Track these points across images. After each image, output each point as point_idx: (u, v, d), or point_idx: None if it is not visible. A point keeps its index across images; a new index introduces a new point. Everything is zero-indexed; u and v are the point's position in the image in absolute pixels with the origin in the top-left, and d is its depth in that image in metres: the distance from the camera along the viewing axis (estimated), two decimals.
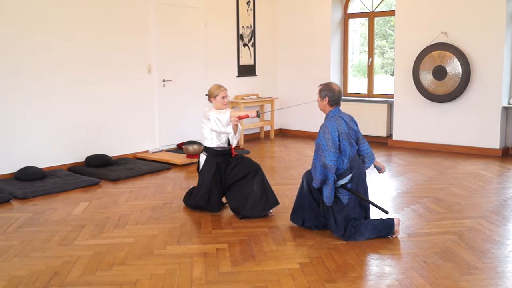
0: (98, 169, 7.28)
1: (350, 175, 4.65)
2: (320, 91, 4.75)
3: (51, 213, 5.49)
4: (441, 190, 6.29)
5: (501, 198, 5.96)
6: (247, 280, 3.82)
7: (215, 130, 5.34)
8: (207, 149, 5.52)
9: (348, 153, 4.63)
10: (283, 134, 10.92)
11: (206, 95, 5.60)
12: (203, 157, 5.56)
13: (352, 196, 4.68)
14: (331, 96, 4.70)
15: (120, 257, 4.28)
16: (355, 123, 4.86)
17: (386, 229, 4.64)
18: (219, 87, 5.47)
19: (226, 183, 5.43)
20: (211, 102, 5.50)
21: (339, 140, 4.57)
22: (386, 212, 4.77)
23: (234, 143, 5.49)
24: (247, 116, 5.26)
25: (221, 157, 5.48)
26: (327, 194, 4.58)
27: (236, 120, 5.25)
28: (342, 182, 4.65)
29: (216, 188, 5.43)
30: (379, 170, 5.10)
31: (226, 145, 5.50)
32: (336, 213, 4.65)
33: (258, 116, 5.35)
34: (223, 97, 5.44)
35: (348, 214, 4.66)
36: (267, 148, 9.45)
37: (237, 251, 4.39)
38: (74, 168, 7.37)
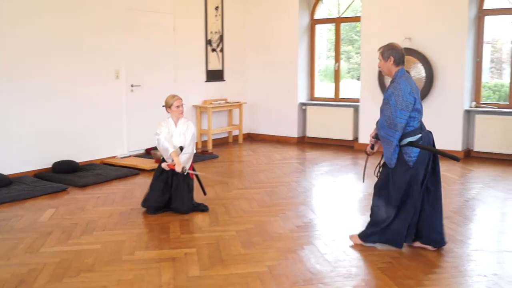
0: (65, 175, 7.17)
1: (419, 135, 4.32)
2: (383, 52, 4.41)
3: (17, 220, 5.38)
4: None
5: (463, 199, 6.07)
6: (216, 284, 3.81)
7: (159, 149, 5.65)
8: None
9: (421, 111, 4.33)
10: (251, 138, 10.94)
11: (163, 106, 5.76)
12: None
13: (418, 160, 4.28)
14: (396, 54, 4.36)
15: (87, 263, 4.22)
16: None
17: (395, 241, 4.43)
18: (173, 96, 5.68)
19: (171, 186, 5.63)
20: (168, 112, 5.70)
21: (414, 99, 4.24)
22: (458, 160, 4.43)
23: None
24: (174, 167, 5.48)
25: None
26: (388, 154, 4.31)
27: (165, 167, 5.53)
28: (411, 139, 4.30)
29: (158, 186, 5.62)
30: None
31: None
32: (395, 176, 4.35)
33: (183, 170, 5.48)
34: (177, 106, 5.63)
35: (409, 179, 4.30)
36: (236, 153, 9.44)
37: (205, 255, 4.37)
38: (40, 175, 7.24)
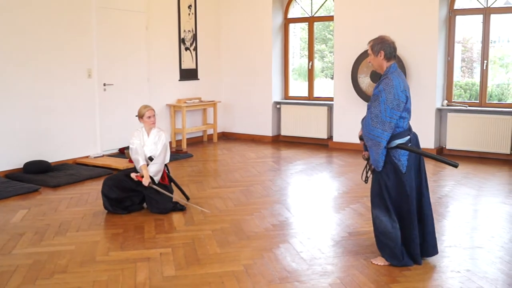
0: (37, 176, 7.06)
1: (408, 137, 4.03)
2: (372, 46, 4.11)
3: None
4: None
5: (437, 196, 6.16)
6: (192, 284, 3.80)
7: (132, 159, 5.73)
8: None
9: (410, 111, 4.04)
10: (226, 137, 10.92)
11: (136, 116, 5.81)
12: None
13: (409, 164, 4.00)
14: (387, 48, 4.07)
15: (61, 265, 4.17)
16: None
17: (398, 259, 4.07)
18: (145, 107, 5.73)
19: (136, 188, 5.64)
20: (141, 122, 5.76)
21: (406, 98, 3.95)
22: (456, 166, 4.02)
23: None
24: (141, 179, 5.52)
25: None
26: (375, 157, 3.97)
27: (134, 177, 5.55)
28: (399, 141, 3.99)
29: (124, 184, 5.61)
30: None
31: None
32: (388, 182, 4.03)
33: (149, 184, 5.51)
34: (149, 117, 5.68)
35: (405, 188, 4.00)
36: (211, 151, 9.42)
37: (181, 255, 4.35)
38: (11, 175, 7.11)
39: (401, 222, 4.06)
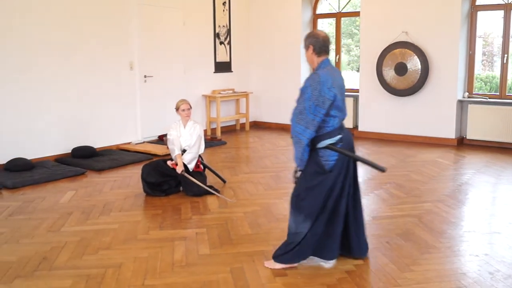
0: (84, 160, 7.19)
1: (339, 136, 3.66)
2: (304, 41, 3.77)
3: (40, 202, 5.41)
4: (403, 177, 6.37)
5: (457, 183, 6.06)
6: (225, 262, 3.82)
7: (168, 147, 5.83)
8: None
9: (342, 109, 3.70)
10: (258, 126, 10.92)
11: (175, 108, 5.90)
12: None
13: (337, 164, 3.64)
14: (315, 42, 3.67)
15: (105, 242, 4.25)
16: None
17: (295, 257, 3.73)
18: (181, 100, 5.85)
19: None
20: (178, 114, 5.86)
21: (334, 95, 3.57)
22: (383, 170, 3.74)
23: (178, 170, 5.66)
24: (176, 167, 5.61)
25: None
26: (297, 154, 3.61)
27: (170, 164, 5.65)
28: (329, 141, 3.63)
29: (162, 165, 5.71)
30: None
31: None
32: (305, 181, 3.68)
33: (182, 172, 5.56)
34: (183, 110, 5.77)
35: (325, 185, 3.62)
36: (243, 139, 9.43)
37: (215, 235, 4.38)
38: (61, 159, 7.26)
39: (317, 220, 3.65)
